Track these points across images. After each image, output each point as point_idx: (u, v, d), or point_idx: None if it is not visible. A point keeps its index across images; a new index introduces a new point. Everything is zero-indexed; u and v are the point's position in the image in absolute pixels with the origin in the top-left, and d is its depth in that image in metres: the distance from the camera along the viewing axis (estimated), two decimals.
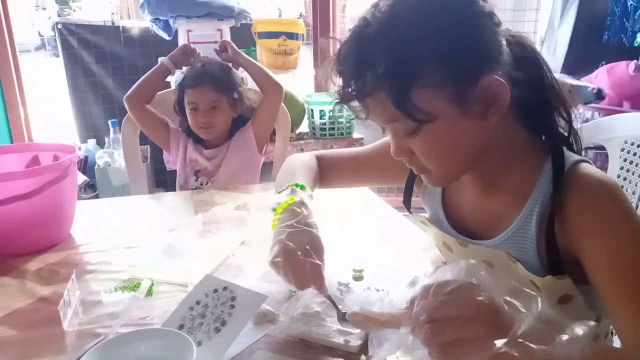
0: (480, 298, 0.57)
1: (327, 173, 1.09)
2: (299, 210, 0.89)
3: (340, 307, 0.82)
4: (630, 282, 0.67)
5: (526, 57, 0.75)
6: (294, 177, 1.00)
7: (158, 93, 1.89)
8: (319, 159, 1.10)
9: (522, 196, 0.77)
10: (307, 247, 0.84)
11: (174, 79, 2.71)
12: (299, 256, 0.82)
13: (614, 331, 0.86)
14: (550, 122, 0.79)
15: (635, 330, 0.66)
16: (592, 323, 0.58)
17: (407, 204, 0.98)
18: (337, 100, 0.76)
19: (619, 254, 0.68)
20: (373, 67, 0.68)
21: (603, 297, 0.70)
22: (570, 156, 0.76)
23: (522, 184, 0.77)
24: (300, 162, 1.07)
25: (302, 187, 0.96)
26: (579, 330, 0.56)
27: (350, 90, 0.72)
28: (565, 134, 0.80)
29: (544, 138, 0.80)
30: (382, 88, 0.69)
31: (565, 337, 0.55)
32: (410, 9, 0.69)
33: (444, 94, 0.68)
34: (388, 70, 0.67)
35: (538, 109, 0.77)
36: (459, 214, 0.89)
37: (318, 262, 0.83)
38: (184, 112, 1.77)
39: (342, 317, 0.79)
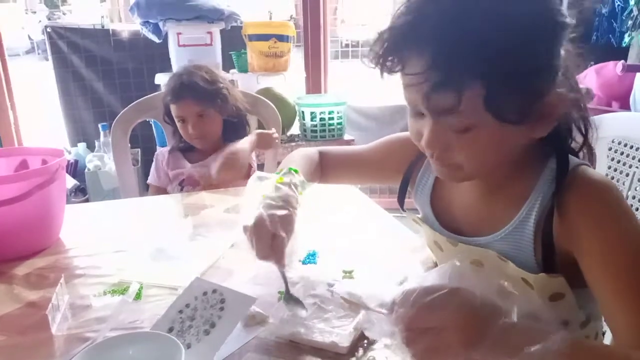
0: (456, 307, 0.59)
1: (328, 168, 1.10)
2: (284, 188, 0.91)
3: (291, 291, 0.88)
4: (625, 280, 0.67)
5: None
6: (291, 164, 1.02)
7: (145, 97, 1.89)
8: (322, 154, 1.12)
9: (521, 198, 0.77)
10: (277, 221, 0.86)
11: (164, 82, 2.71)
12: (267, 226, 0.84)
13: (604, 332, 0.87)
14: (566, 135, 0.79)
15: (629, 327, 0.66)
16: (567, 335, 0.59)
17: (401, 203, 0.99)
18: (405, 85, 0.70)
19: (615, 252, 0.69)
20: (477, 53, 0.62)
21: (597, 295, 0.71)
22: (572, 159, 0.77)
23: (522, 187, 0.77)
24: (302, 154, 1.09)
25: (296, 172, 0.97)
26: (550, 341, 0.58)
27: (432, 76, 0.64)
28: (577, 148, 0.80)
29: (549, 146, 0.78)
30: (476, 79, 0.63)
31: (534, 347, 0.57)
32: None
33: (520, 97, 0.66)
34: (497, 60, 0.62)
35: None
36: (450, 214, 0.89)
37: (283, 234, 0.85)
38: (174, 121, 1.76)
39: (289, 298, 0.87)
